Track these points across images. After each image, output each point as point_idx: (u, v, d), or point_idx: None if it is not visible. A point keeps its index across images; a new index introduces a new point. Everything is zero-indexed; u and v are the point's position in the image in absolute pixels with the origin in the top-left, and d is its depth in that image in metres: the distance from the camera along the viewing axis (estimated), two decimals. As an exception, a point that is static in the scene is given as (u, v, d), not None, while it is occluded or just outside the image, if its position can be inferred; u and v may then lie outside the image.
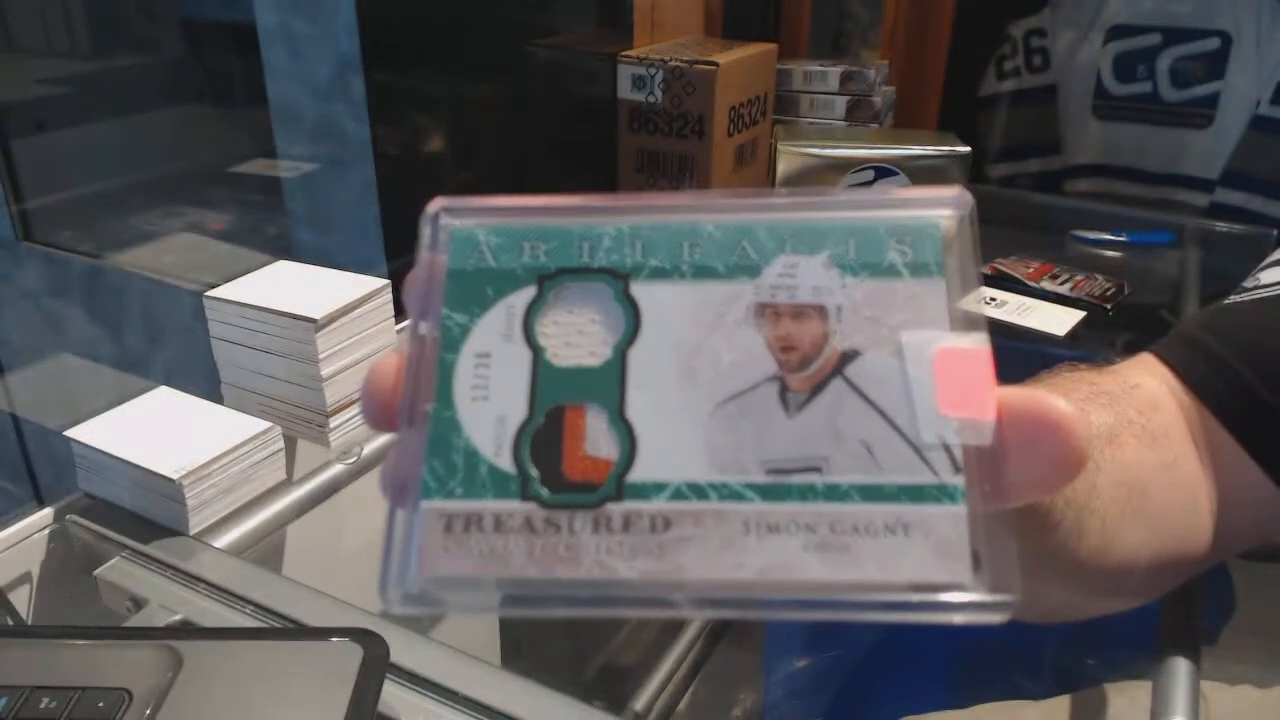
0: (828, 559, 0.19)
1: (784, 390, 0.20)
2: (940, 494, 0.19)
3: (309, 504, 0.65)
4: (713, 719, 0.79)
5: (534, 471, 0.20)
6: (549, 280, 0.21)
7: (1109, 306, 0.98)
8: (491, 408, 0.20)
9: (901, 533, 0.19)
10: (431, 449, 0.20)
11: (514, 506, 0.20)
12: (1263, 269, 0.47)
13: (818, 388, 0.20)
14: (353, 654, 0.43)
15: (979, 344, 0.20)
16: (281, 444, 0.63)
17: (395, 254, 1.05)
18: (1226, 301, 0.46)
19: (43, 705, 0.39)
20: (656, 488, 0.19)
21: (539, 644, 0.93)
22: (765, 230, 0.21)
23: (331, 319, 0.65)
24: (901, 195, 0.21)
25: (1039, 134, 1.52)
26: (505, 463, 0.20)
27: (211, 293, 0.68)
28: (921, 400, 0.19)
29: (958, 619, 0.18)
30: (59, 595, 0.61)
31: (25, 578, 0.60)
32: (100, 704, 0.39)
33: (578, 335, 0.21)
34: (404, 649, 0.47)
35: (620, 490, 0.19)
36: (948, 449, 0.19)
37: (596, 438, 0.20)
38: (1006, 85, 1.52)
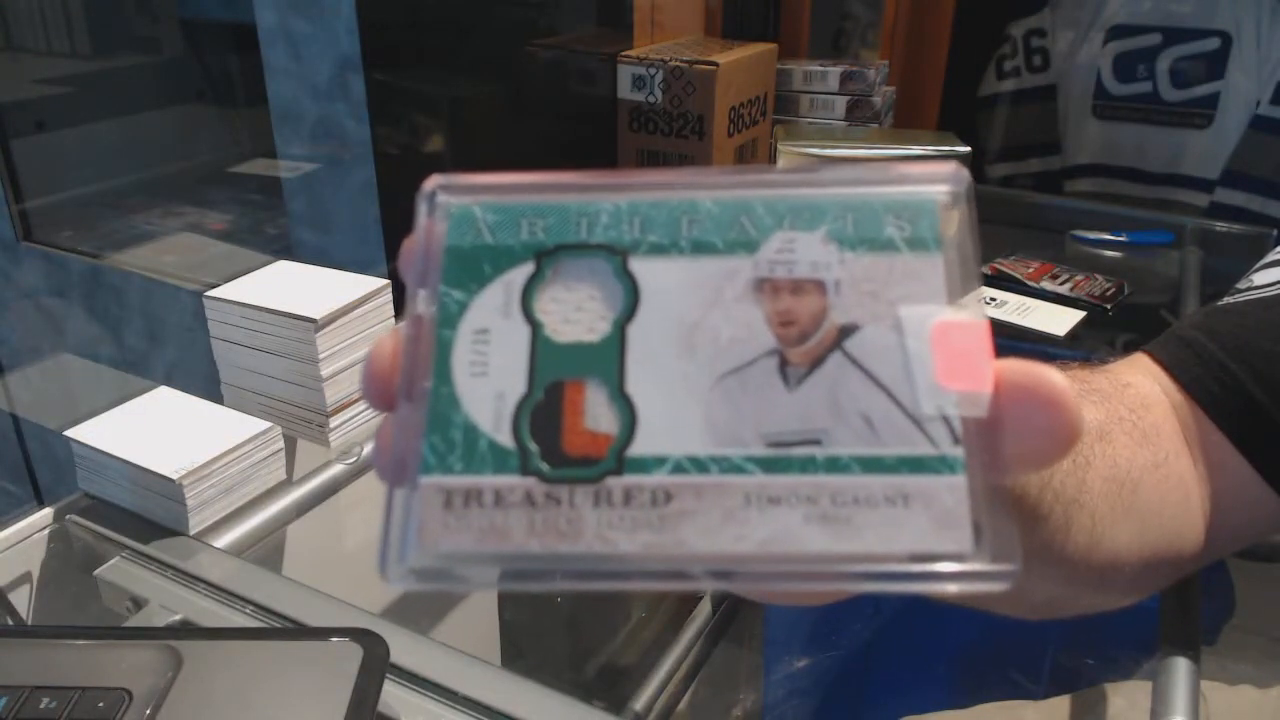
0: (829, 530, 0.19)
1: (783, 364, 0.20)
2: (940, 465, 0.19)
3: (309, 504, 0.65)
4: (713, 719, 0.79)
5: (534, 447, 0.20)
6: (547, 257, 0.21)
7: (1109, 306, 0.98)
8: (490, 384, 0.20)
9: (902, 504, 0.19)
10: (431, 425, 0.20)
11: (514, 481, 0.20)
12: (1257, 270, 0.47)
13: (817, 361, 0.20)
14: (353, 654, 0.43)
15: (977, 317, 0.20)
16: (281, 444, 0.63)
17: (395, 254, 1.04)
18: (1220, 302, 0.47)
19: (43, 705, 0.39)
20: (657, 461, 0.19)
21: (539, 644, 0.93)
22: (763, 206, 0.21)
23: (331, 319, 0.65)
24: (899, 170, 0.21)
25: (1039, 134, 1.52)
26: (505, 438, 0.20)
27: (211, 293, 0.68)
28: (920, 373, 0.19)
29: (959, 588, 0.18)
30: (59, 595, 0.61)
31: (25, 578, 0.60)
32: (100, 704, 0.39)
33: (576, 311, 0.21)
34: (404, 649, 0.47)
35: (621, 464, 0.19)
36: (947, 420, 0.19)
37: (596, 412, 0.20)
38: (1006, 85, 1.52)
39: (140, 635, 0.48)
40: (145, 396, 0.65)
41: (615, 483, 0.19)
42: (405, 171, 1.03)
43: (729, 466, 0.19)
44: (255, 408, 0.69)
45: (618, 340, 0.20)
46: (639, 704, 0.61)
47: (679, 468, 0.19)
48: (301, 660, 0.43)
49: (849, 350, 0.20)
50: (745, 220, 0.21)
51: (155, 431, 0.61)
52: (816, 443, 0.19)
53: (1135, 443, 0.38)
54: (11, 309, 1.42)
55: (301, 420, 0.68)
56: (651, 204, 0.21)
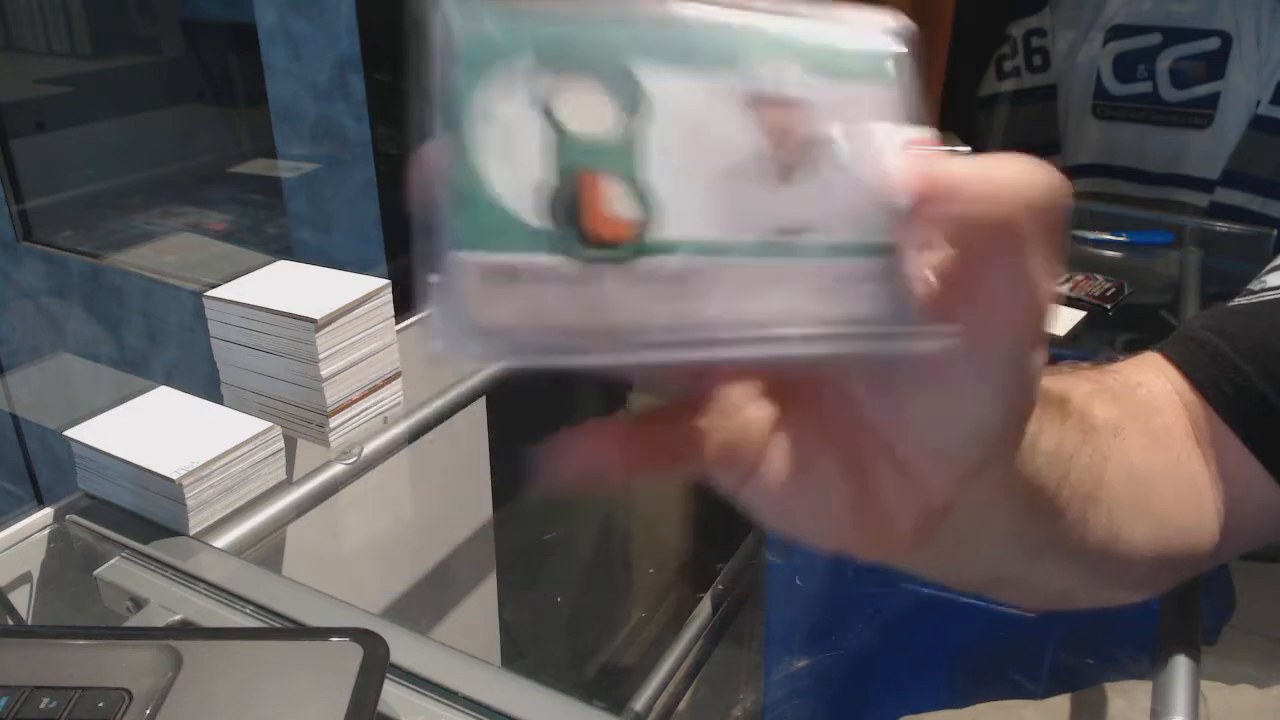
0: (825, 300, 0.23)
1: (777, 166, 0.23)
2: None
3: (309, 504, 0.65)
4: (712, 719, 0.79)
5: (561, 229, 0.21)
6: (558, 58, 0.22)
7: (1109, 306, 0.98)
8: (515, 171, 0.22)
9: (880, 279, 0.23)
10: (460, 205, 0.21)
11: (544, 260, 0.21)
12: (1268, 272, 0.47)
13: (805, 165, 0.23)
14: (353, 654, 0.43)
15: (929, 134, 0.25)
16: (281, 444, 0.63)
17: (395, 254, 1.05)
18: (1231, 303, 0.46)
19: (43, 705, 0.39)
20: (675, 245, 0.22)
21: (539, 644, 0.93)
22: (754, 34, 0.24)
23: (331, 319, 0.65)
24: (861, 18, 0.26)
25: (1039, 134, 1.52)
26: (535, 220, 0.21)
27: (211, 293, 0.68)
28: (887, 174, 0.24)
29: (916, 347, 0.23)
30: (59, 595, 0.61)
31: (25, 578, 0.60)
32: (100, 704, 0.39)
33: (588, 112, 0.22)
34: (404, 649, 0.47)
35: (642, 247, 0.22)
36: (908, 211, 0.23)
37: (616, 199, 0.22)
38: (1006, 85, 1.52)
39: (140, 635, 0.48)
40: (145, 396, 0.65)
41: (639, 263, 0.21)
42: (405, 171, 1.03)
43: (738, 251, 0.22)
44: (255, 408, 0.69)
45: (630, 136, 0.22)
46: (639, 704, 0.61)
47: (695, 250, 0.22)
48: (301, 660, 0.43)
49: (829, 156, 0.23)
50: (739, 45, 0.23)
51: (155, 431, 0.61)
52: (811, 230, 0.23)
53: (1149, 443, 0.38)
54: (11, 309, 1.42)
55: (301, 420, 0.68)
56: (656, 27, 0.23)
